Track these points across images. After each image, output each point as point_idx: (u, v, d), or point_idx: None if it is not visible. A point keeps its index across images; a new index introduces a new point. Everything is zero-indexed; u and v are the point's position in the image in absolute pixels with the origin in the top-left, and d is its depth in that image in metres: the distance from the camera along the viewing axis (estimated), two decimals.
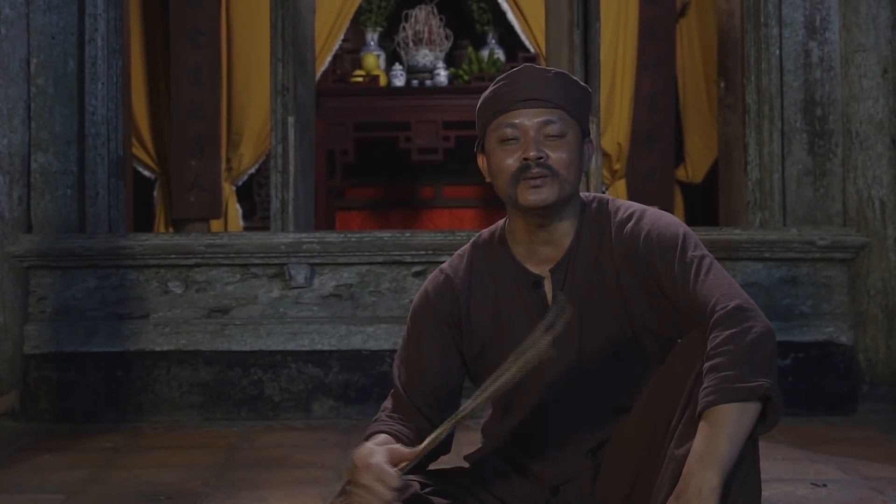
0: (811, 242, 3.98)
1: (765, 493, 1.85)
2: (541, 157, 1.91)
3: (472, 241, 2.10)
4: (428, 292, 2.05)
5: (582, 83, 2.03)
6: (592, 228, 1.99)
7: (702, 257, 1.89)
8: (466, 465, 2.11)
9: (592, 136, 4.13)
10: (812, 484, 2.93)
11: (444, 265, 2.09)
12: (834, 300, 4.03)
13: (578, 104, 1.97)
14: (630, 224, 1.96)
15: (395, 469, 1.78)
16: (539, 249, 1.99)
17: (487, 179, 2.03)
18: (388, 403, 2.06)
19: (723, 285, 1.84)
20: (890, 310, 4.03)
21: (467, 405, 1.79)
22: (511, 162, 1.93)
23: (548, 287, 1.99)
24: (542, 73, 1.97)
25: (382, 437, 1.93)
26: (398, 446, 1.85)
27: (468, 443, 2.22)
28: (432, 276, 2.08)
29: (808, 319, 4.00)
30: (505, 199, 1.98)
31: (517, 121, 1.93)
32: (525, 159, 1.91)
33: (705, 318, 1.81)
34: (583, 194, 2.05)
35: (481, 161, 2.03)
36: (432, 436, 1.82)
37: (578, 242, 1.98)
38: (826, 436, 3.61)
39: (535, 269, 2.00)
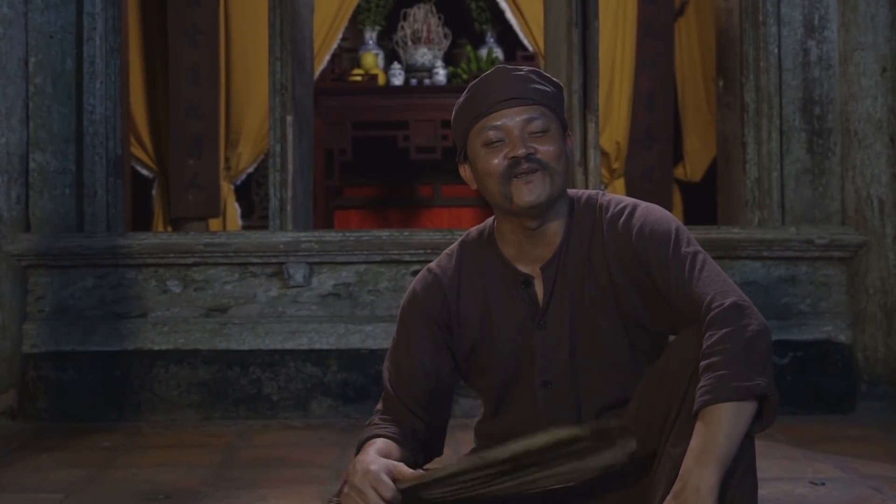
0: (810, 241, 3.98)
1: (763, 492, 1.85)
2: (530, 153, 1.89)
3: (460, 239, 2.08)
4: (416, 292, 2.04)
5: (554, 79, 2.01)
6: (583, 224, 1.97)
7: (695, 253, 1.88)
8: None
9: (591, 134, 4.16)
10: (811, 483, 2.94)
11: (431, 264, 2.07)
12: (832, 299, 4.03)
13: (554, 99, 1.96)
14: (622, 219, 1.94)
15: (392, 483, 1.77)
16: (529, 250, 1.98)
17: (473, 187, 2.01)
18: (379, 406, 2.05)
19: (717, 282, 1.83)
20: (888, 308, 4.03)
21: (488, 456, 1.73)
22: (498, 161, 1.91)
23: (538, 286, 1.97)
24: (516, 72, 1.96)
25: (380, 441, 1.92)
26: (401, 465, 1.82)
27: (467, 441, 2.22)
28: (420, 275, 2.06)
29: (807, 318, 4.01)
30: (497, 202, 1.95)
31: (499, 122, 1.91)
32: (513, 157, 1.90)
33: (700, 315, 1.80)
34: (572, 191, 2.03)
35: (464, 171, 2.00)
36: (440, 469, 1.77)
37: (569, 240, 1.97)
38: (824, 434, 3.61)
39: (524, 269, 1.98)
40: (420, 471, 1.82)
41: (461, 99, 1.99)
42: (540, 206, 1.91)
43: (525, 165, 1.89)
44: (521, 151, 1.89)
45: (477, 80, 1.99)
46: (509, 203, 1.92)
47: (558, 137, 1.94)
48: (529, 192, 1.89)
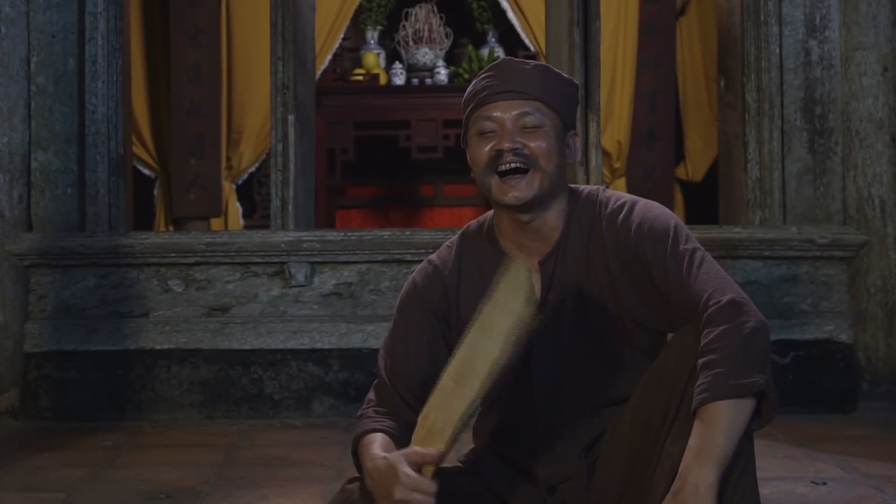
0: (811, 241, 3.98)
1: (765, 491, 1.84)
2: (515, 148, 1.90)
3: (460, 232, 2.08)
4: (416, 283, 2.04)
5: (566, 76, 2.01)
6: (582, 220, 1.97)
7: (693, 250, 1.87)
8: (462, 465, 2.10)
9: (592, 134, 4.16)
10: (812, 482, 2.94)
11: (432, 256, 2.07)
12: (834, 298, 4.03)
13: (559, 96, 1.96)
14: (621, 216, 1.94)
15: (424, 476, 1.73)
16: (526, 244, 1.98)
17: (472, 174, 2.03)
18: (371, 396, 2.02)
19: (715, 279, 1.83)
20: (890, 308, 4.03)
21: (467, 393, 1.75)
22: (485, 152, 1.93)
23: (536, 280, 1.97)
24: (520, 66, 1.97)
25: (380, 437, 1.89)
26: (418, 449, 1.77)
27: (467, 440, 2.22)
28: (420, 266, 2.06)
29: (808, 318, 4.01)
30: (483, 191, 1.97)
31: (494, 114, 1.93)
32: (498, 150, 1.91)
33: (698, 312, 1.79)
34: (574, 186, 2.03)
35: (467, 154, 2.02)
36: (451, 433, 1.75)
37: (568, 235, 1.97)
38: (826, 434, 3.61)
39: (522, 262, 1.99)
40: (435, 451, 1.75)
41: (471, 84, 2.01)
42: (521, 206, 1.92)
43: (509, 158, 1.90)
44: (506, 145, 1.91)
45: (486, 68, 2.00)
46: (489, 195, 1.94)
47: (552, 135, 1.93)
48: (510, 191, 1.91)
